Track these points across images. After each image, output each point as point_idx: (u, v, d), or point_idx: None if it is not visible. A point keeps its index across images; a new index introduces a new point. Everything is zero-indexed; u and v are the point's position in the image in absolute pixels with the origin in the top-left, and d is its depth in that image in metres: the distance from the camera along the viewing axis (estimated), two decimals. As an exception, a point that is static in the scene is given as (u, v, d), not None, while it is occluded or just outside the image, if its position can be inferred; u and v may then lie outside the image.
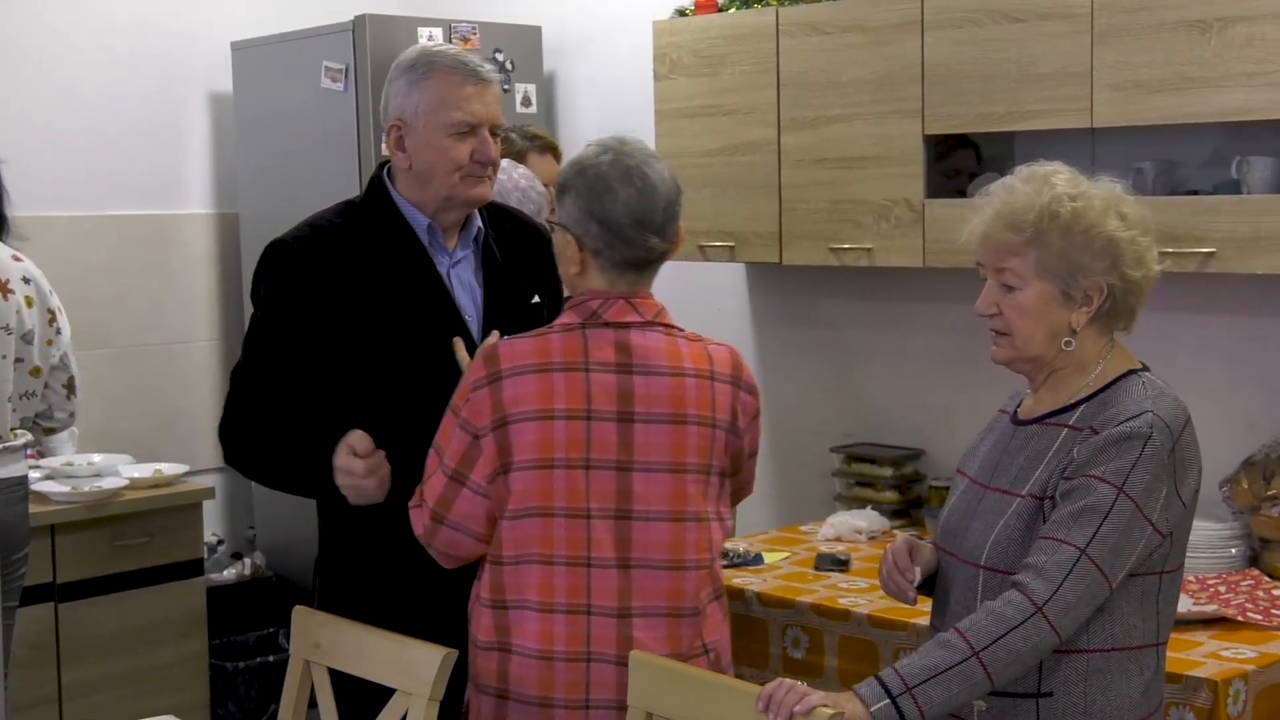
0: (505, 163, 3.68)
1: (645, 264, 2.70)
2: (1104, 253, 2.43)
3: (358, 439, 2.79)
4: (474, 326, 2.99)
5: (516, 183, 3.67)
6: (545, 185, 3.85)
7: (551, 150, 4.14)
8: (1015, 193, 2.49)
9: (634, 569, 2.62)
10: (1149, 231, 2.48)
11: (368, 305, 2.91)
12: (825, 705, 2.27)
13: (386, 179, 3.05)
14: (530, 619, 2.63)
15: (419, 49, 3.04)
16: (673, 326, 2.72)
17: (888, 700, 2.29)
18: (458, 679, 2.69)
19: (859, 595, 3.72)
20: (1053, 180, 2.48)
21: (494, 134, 2.98)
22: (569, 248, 2.69)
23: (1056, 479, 2.41)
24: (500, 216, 3.13)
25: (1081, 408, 2.46)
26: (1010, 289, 2.48)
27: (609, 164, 2.66)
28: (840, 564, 4.00)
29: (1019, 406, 2.59)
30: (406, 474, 2.78)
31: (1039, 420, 2.51)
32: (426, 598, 2.89)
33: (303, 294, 2.92)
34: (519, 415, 2.62)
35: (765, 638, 3.76)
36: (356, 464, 2.78)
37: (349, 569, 3.03)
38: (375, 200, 3.03)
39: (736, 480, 2.80)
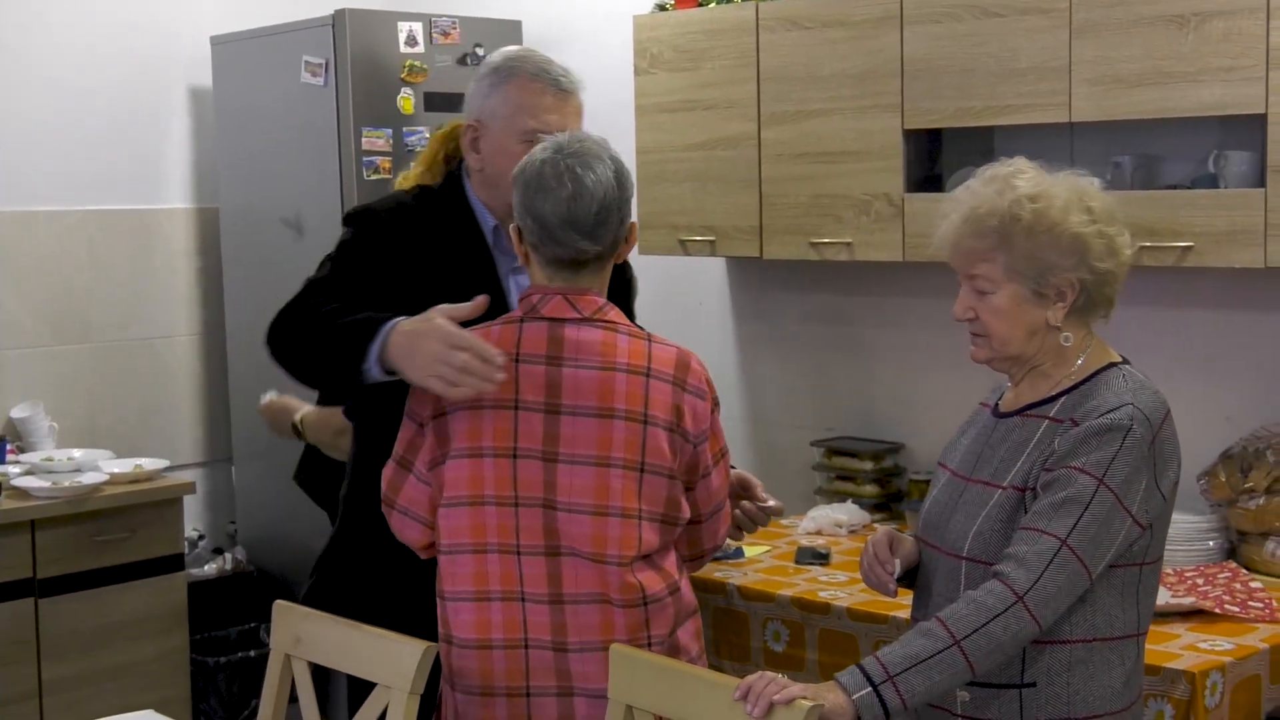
0: None
1: (577, 264, 2.70)
2: (1070, 250, 2.45)
3: (460, 310, 2.68)
4: None
5: None
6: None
7: None
8: (977, 196, 2.50)
9: (563, 556, 2.64)
10: (1115, 220, 2.49)
11: (422, 293, 2.83)
12: (805, 697, 2.28)
13: (464, 174, 3.03)
14: (466, 609, 2.67)
15: (506, 52, 3.01)
16: (617, 324, 2.71)
17: (870, 688, 2.30)
18: (439, 672, 2.70)
19: (839, 589, 3.73)
20: (1014, 182, 2.48)
21: None
22: (515, 236, 2.74)
23: (1037, 471, 2.43)
24: None
25: (1062, 399, 2.48)
26: (984, 293, 2.49)
27: (547, 163, 2.67)
28: (821, 557, 4.01)
29: (1000, 399, 2.61)
30: None
31: (1020, 412, 2.53)
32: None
33: (380, 258, 2.90)
34: (455, 404, 2.66)
35: (746, 631, 3.77)
36: (457, 357, 2.61)
37: (361, 568, 3.03)
38: (450, 192, 3.02)
39: (692, 518, 2.76)
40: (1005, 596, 2.33)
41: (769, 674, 2.35)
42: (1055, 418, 2.47)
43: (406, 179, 3.59)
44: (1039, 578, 2.33)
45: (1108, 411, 2.41)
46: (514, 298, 2.97)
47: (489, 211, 2.99)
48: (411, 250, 2.92)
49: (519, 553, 2.64)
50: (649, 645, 2.67)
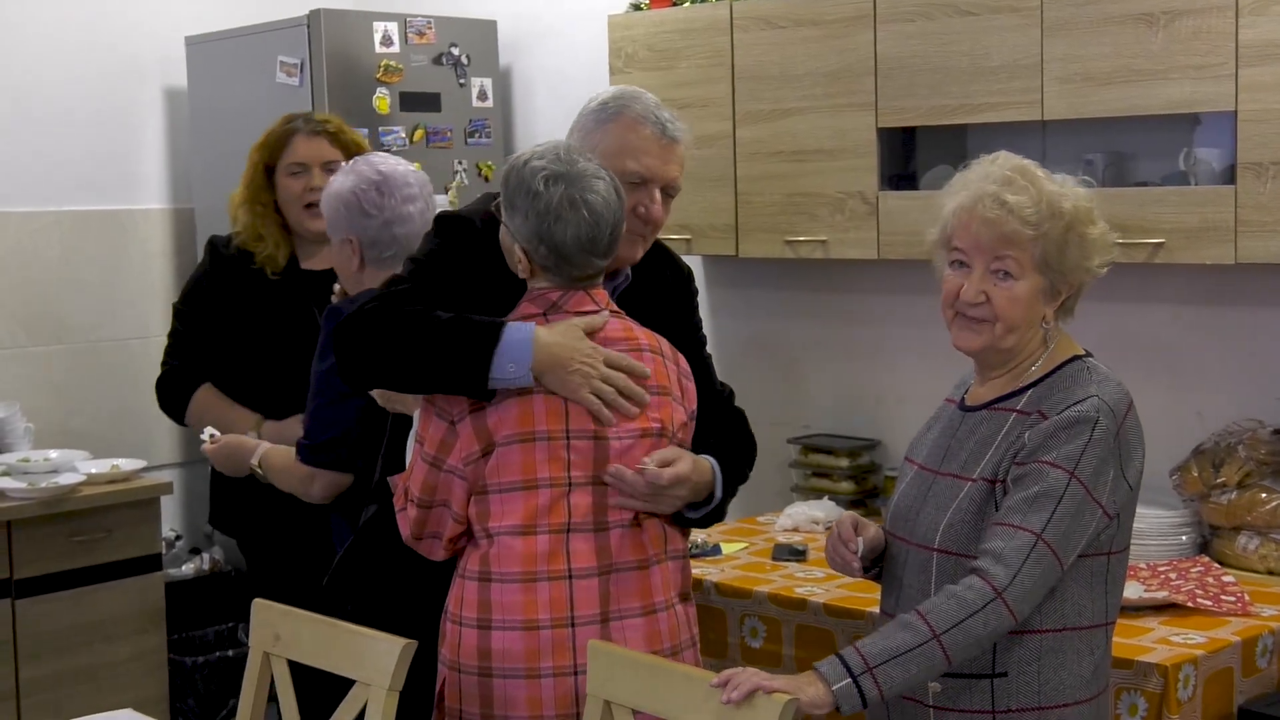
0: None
1: (591, 278, 2.79)
2: (1091, 252, 2.51)
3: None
4: None
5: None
6: (308, 164, 3.85)
7: (328, 134, 3.98)
8: (1013, 185, 2.50)
9: (611, 529, 2.71)
10: (1094, 218, 2.56)
11: (496, 310, 2.79)
12: (783, 691, 2.30)
13: None
14: (513, 590, 2.68)
15: (616, 90, 2.97)
16: (620, 311, 2.82)
17: (849, 679, 2.33)
18: (418, 669, 2.70)
19: (816, 585, 3.75)
20: (1036, 173, 2.53)
21: (668, 195, 2.90)
22: (517, 254, 2.76)
23: (1007, 463, 2.46)
24: (654, 255, 3.01)
25: (1029, 393, 2.51)
26: (1006, 278, 2.50)
27: (553, 189, 2.69)
28: (797, 554, 4.03)
29: (965, 394, 2.63)
30: None
31: (987, 406, 2.55)
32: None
33: (467, 270, 2.83)
34: (501, 396, 2.69)
35: (723, 628, 3.78)
36: (619, 378, 2.72)
37: (380, 572, 3.04)
38: None
39: None
40: (985, 592, 2.36)
41: (750, 668, 2.38)
42: (1023, 410, 2.50)
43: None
44: (1017, 573, 2.36)
45: (1074, 404, 2.45)
46: None
47: None
48: (488, 267, 2.84)
49: (569, 531, 2.70)
50: (670, 608, 2.78)
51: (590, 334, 2.72)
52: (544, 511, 2.68)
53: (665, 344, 2.85)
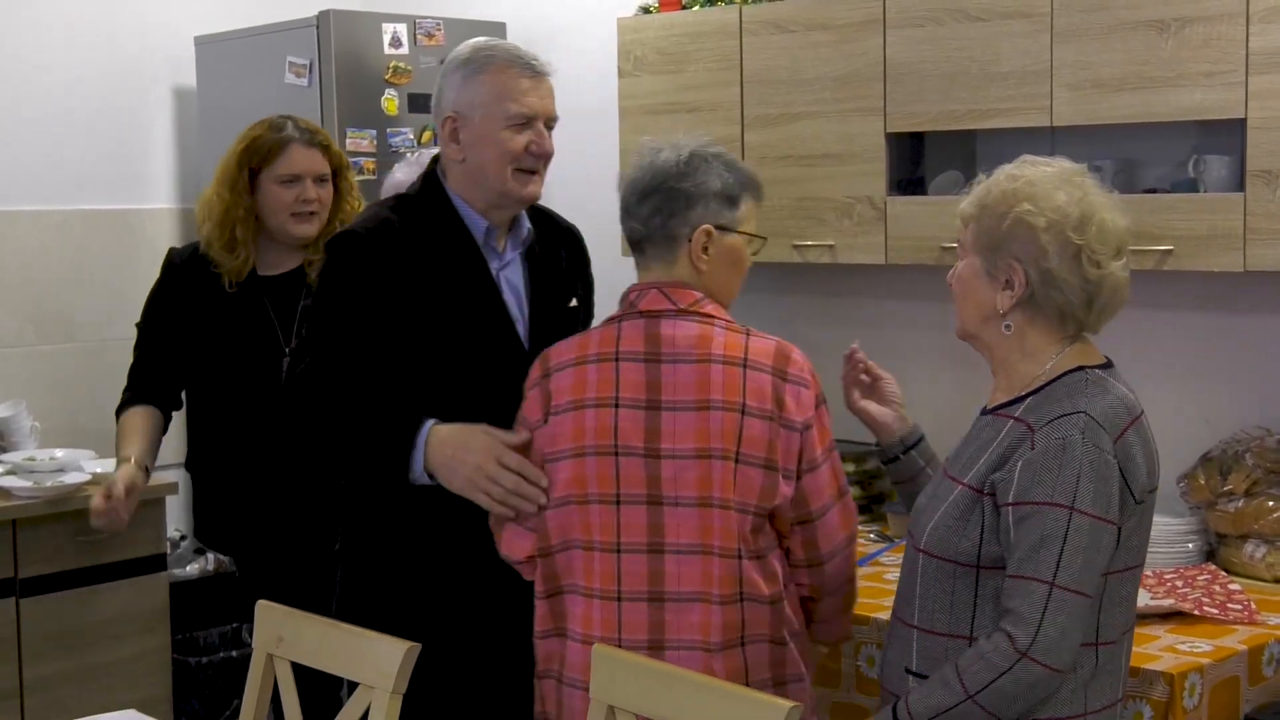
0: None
1: (635, 245, 2.80)
2: (1019, 238, 2.47)
3: (509, 439, 2.78)
4: (521, 329, 3.02)
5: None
6: (303, 176, 3.84)
7: (320, 147, 3.97)
8: (995, 177, 2.57)
9: (667, 554, 2.66)
10: (1108, 240, 2.49)
11: (421, 305, 2.92)
12: None
13: (440, 176, 3.05)
14: (578, 603, 2.71)
15: (474, 44, 3.04)
16: (714, 317, 2.76)
17: None
18: (420, 673, 2.69)
19: (820, 590, 3.74)
20: (1039, 172, 2.55)
21: (548, 128, 3.01)
22: None
23: (993, 479, 2.44)
24: (538, 218, 3.15)
25: (1028, 400, 2.49)
26: (959, 257, 2.58)
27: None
28: (802, 559, 4.01)
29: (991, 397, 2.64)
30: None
31: (993, 411, 2.55)
32: (466, 596, 2.96)
33: (373, 285, 2.92)
34: (559, 407, 2.72)
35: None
36: (508, 477, 2.75)
37: (381, 565, 3.06)
38: (431, 197, 3.03)
39: (802, 516, 2.74)
40: (1009, 654, 2.35)
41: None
42: (1019, 418, 2.48)
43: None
44: (1039, 629, 2.34)
45: (1057, 418, 2.41)
46: (507, 296, 3.02)
47: (473, 209, 3.01)
48: (400, 265, 2.94)
49: (619, 550, 2.68)
50: (743, 645, 2.67)
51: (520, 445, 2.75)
52: (596, 528, 2.70)
53: (765, 355, 2.74)
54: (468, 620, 2.99)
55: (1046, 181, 2.50)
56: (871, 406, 2.83)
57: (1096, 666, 2.48)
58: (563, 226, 3.24)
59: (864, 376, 2.84)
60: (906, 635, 2.56)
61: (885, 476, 4.57)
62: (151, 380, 3.99)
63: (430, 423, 2.81)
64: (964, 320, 2.57)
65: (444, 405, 2.89)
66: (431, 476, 2.80)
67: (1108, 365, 2.55)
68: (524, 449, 2.76)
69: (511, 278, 3.05)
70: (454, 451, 2.76)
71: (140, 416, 3.98)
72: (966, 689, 2.36)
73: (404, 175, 3.62)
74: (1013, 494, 2.40)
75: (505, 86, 2.96)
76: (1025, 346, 2.52)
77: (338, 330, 2.94)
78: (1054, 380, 2.49)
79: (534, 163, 2.98)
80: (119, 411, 4.05)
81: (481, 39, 3.09)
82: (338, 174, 3.93)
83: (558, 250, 3.16)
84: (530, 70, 2.99)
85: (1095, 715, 2.49)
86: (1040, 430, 2.41)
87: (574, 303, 3.16)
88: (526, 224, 3.09)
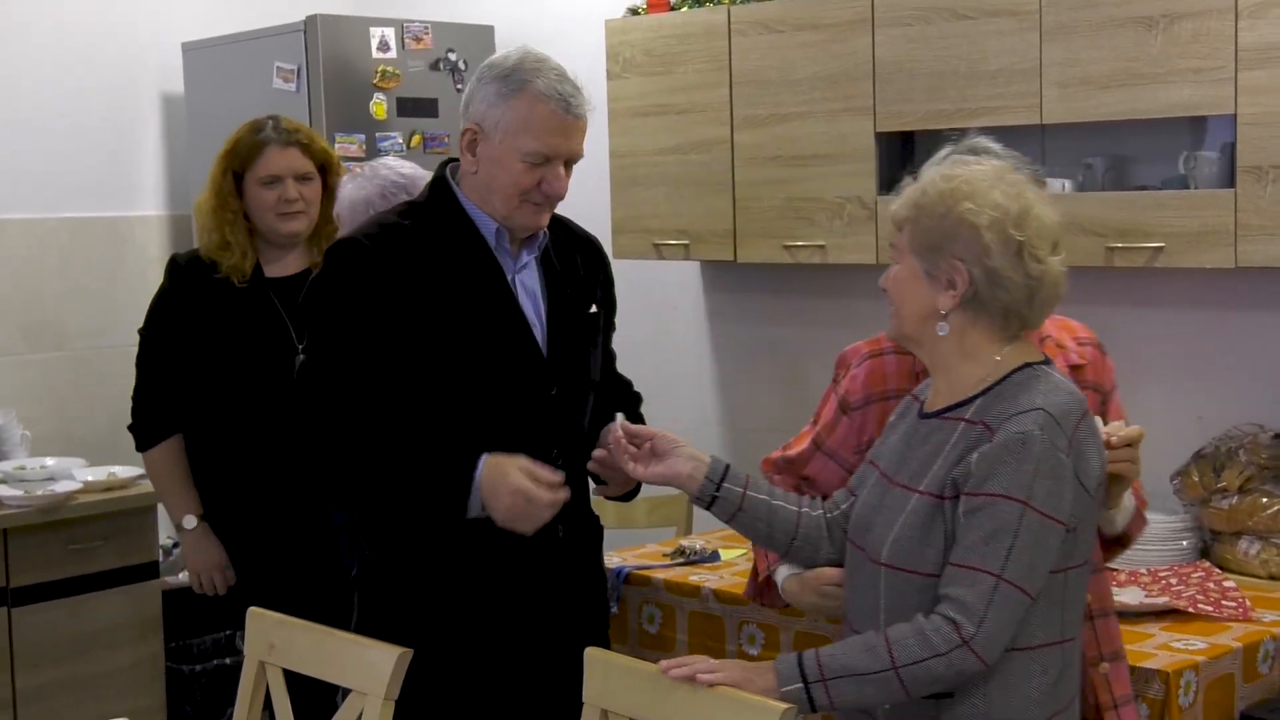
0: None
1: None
2: (962, 237, 2.44)
3: (535, 466, 2.76)
4: (538, 334, 2.93)
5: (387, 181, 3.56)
6: (281, 176, 3.81)
7: (300, 145, 3.91)
8: (927, 175, 2.54)
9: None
10: (1046, 236, 2.46)
11: (435, 311, 2.83)
12: (733, 680, 2.36)
13: (450, 179, 2.96)
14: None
15: (520, 58, 2.88)
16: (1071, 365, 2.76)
17: (801, 684, 2.36)
18: (412, 680, 2.68)
19: (814, 591, 3.73)
20: (957, 165, 2.51)
21: (568, 165, 2.89)
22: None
23: (954, 477, 2.41)
24: (555, 225, 3.03)
25: (977, 402, 2.45)
26: (894, 263, 2.55)
27: None
28: (796, 560, 4.01)
29: (926, 397, 2.59)
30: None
31: (939, 414, 2.51)
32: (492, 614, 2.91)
33: (378, 296, 2.83)
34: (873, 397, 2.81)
35: (721, 635, 3.76)
36: (544, 493, 2.74)
37: (402, 588, 2.98)
38: (441, 201, 2.94)
39: None
40: (951, 639, 2.33)
41: (704, 656, 2.43)
42: (970, 420, 2.44)
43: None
44: (983, 620, 2.32)
45: (1016, 414, 2.39)
46: (523, 300, 2.93)
47: (483, 213, 2.92)
48: (409, 271, 2.85)
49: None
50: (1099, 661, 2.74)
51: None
52: None
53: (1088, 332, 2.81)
54: (495, 644, 2.92)
55: (982, 180, 2.48)
56: (658, 468, 2.67)
57: (1064, 664, 2.46)
58: (580, 235, 3.14)
59: (632, 448, 2.69)
60: None
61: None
62: (171, 397, 3.93)
63: (483, 460, 2.76)
64: (901, 323, 2.54)
65: (460, 411, 2.85)
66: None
67: (1047, 362, 2.53)
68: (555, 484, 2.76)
69: (528, 282, 2.96)
70: (489, 487, 2.75)
71: (177, 453, 3.96)
72: (894, 660, 2.34)
73: (354, 191, 3.53)
74: (969, 485, 2.39)
75: (533, 120, 2.81)
76: (966, 347, 2.49)
77: (331, 340, 2.86)
78: (1003, 379, 2.47)
79: (542, 200, 2.87)
80: (149, 438, 3.99)
81: (531, 53, 2.90)
82: (326, 170, 3.91)
83: (574, 257, 3.06)
84: (565, 108, 2.82)
85: (1062, 714, 2.48)
86: (1000, 428, 2.39)
87: (593, 309, 3.07)
88: (543, 229, 3.00)
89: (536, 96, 2.82)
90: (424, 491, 2.81)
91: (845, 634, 2.57)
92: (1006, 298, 2.45)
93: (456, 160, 2.98)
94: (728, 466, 2.66)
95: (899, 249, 2.52)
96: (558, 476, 2.76)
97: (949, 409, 2.49)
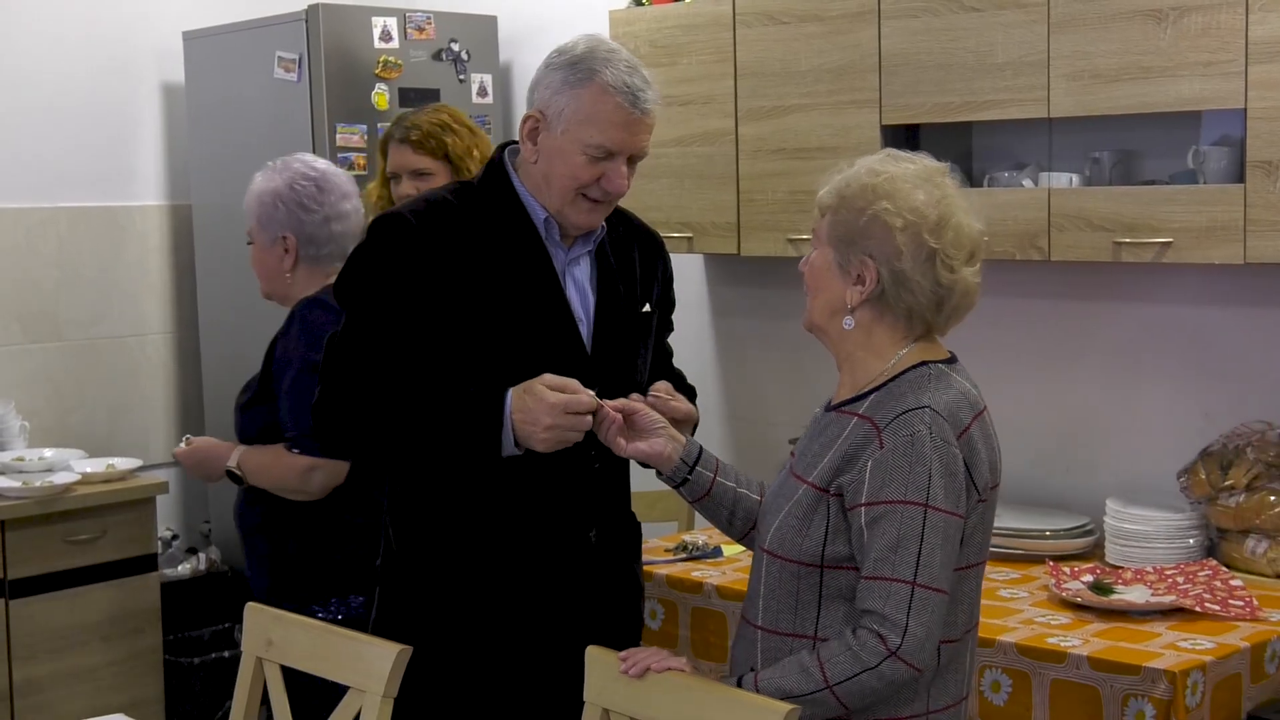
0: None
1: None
2: (874, 235, 2.43)
3: (555, 379, 2.65)
4: (584, 330, 2.82)
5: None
6: (399, 173, 3.76)
7: (412, 144, 3.82)
8: (850, 167, 2.54)
9: None
10: (962, 245, 2.44)
11: (479, 294, 2.73)
12: (681, 669, 2.40)
13: (508, 162, 2.86)
14: None
15: (590, 46, 2.77)
16: None
17: None
18: (410, 677, 2.66)
19: (817, 587, 3.71)
20: (899, 169, 2.49)
21: (632, 162, 2.79)
22: None
23: (840, 482, 2.41)
24: (615, 217, 2.93)
25: (871, 397, 2.45)
26: (813, 246, 2.55)
27: None
28: (799, 556, 3.99)
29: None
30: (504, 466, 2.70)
31: (837, 408, 2.51)
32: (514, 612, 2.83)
33: (417, 271, 2.73)
34: None
35: (724, 631, 3.74)
36: (580, 399, 2.62)
37: (425, 586, 2.88)
38: (495, 183, 2.83)
39: None
40: (878, 651, 2.33)
41: (656, 647, 2.45)
42: (862, 415, 2.44)
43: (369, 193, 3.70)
44: (905, 629, 2.32)
45: (902, 413, 2.38)
46: (571, 294, 2.83)
47: (538, 204, 2.82)
48: (454, 251, 2.75)
49: None
50: None
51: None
52: None
53: None
54: (512, 646, 2.83)
55: (907, 180, 2.45)
56: (640, 445, 2.65)
57: (939, 665, 2.44)
58: (641, 229, 3.01)
59: (619, 418, 2.66)
60: (751, 635, 2.53)
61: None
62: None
63: (510, 395, 2.64)
64: (812, 312, 2.54)
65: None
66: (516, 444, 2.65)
67: (951, 360, 2.51)
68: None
69: (578, 276, 2.85)
70: (523, 418, 2.62)
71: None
72: (828, 678, 2.33)
73: (263, 182, 3.46)
74: (865, 494, 2.37)
75: (598, 112, 2.71)
76: (870, 343, 2.48)
77: (365, 312, 2.76)
78: (896, 376, 2.45)
79: (601, 196, 2.77)
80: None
81: (603, 43, 2.80)
82: (453, 163, 3.81)
83: (632, 253, 2.95)
84: (632, 102, 2.71)
85: (938, 714, 2.46)
86: (887, 429, 2.38)
87: (647, 308, 2.95)
88: (602, 224, 2.89)
89: (604, 87, 2.71)
90: (455, 430, 2.68)
91: (740, 617, 2.60)
92: (911, 301, 2.45)
93: (515, 143, 2.87)
94: (701, 450, 2.67)
95: (818, 235, 2.52)
96: (577, 384, 2.65)
97: (846, 403, 2.49)
